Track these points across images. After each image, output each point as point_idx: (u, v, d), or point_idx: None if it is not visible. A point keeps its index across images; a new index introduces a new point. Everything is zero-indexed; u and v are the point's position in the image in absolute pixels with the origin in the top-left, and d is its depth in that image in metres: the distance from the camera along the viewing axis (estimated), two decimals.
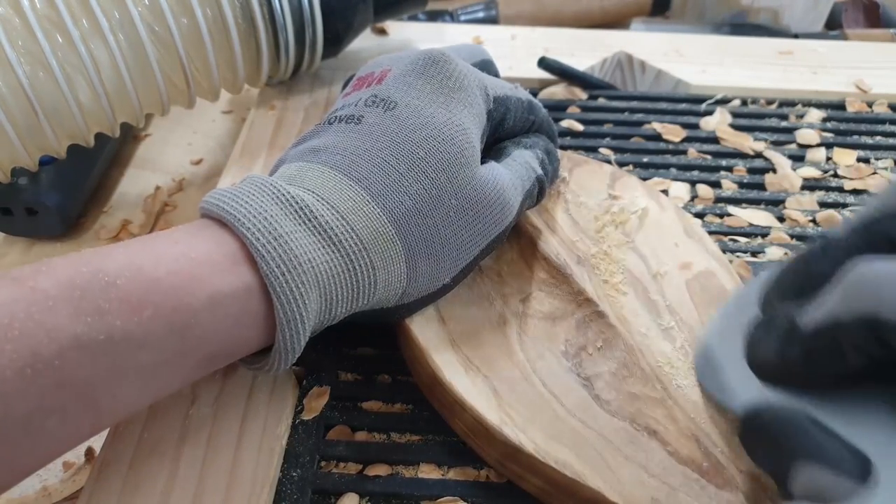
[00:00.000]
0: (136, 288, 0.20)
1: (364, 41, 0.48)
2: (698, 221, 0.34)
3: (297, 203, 0.23)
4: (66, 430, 0.19)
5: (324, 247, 0.22)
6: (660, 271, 0.29)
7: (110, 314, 0.19)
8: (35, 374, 0.18)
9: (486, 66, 0.31)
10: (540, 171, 0.29)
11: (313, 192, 0.23)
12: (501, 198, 0.26)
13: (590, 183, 0.33)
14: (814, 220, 0.36)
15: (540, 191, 0.29)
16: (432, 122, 0.25)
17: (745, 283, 0.28)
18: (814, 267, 0.22)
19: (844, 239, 0.22)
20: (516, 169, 0.28)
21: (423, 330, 0.26)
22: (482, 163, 0.26)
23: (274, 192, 0.23)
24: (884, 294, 0.18)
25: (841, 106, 0.43)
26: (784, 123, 0.42)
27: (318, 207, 0.23)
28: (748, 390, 0.23)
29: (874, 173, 0.38)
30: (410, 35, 0.51)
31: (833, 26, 0.60)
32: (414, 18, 0.56)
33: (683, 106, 0.44)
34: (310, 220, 0.22)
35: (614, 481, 0.22)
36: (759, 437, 0.21)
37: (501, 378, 0.24)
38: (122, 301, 0.19)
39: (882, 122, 0.42)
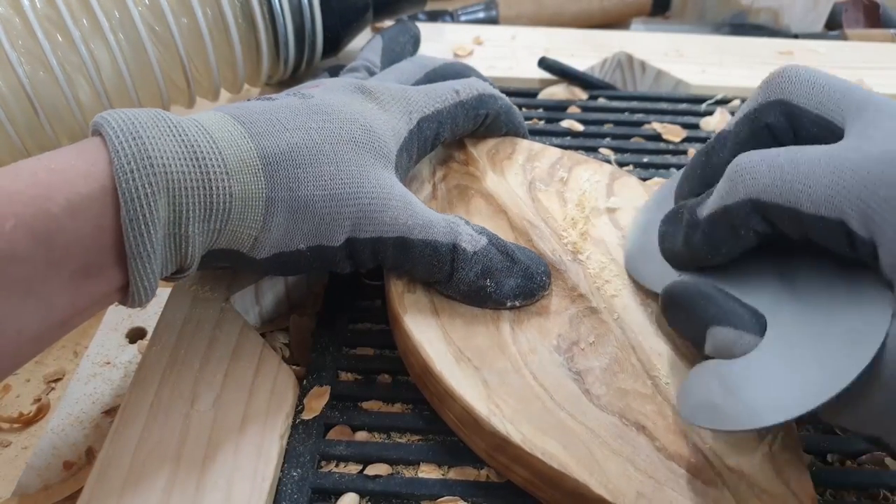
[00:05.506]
0: None
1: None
2: None
3: (171, 120, 0.23)
4: None
5: (184, 156, 0.23)
6: None
7: None
8: None
9: (454, 70, 0.33)
10: (453, 239, 0.26)
11: (194, 120, 0.24)
12: (388, 209, 0.25)
13: (588, 182, 0.33)
14: None
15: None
16: (336, 108, 0.27)
17: (667, 181, 0.30)
18: (712, 159, 0.25)
19: (735, 131, 0.25)
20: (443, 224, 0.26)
21: (416, 321, 0.26)
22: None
23: (154, 112, 0.23)
24: (759, 179, 0.21)
25: None
26: None
27: (191, 127, 0.23)
28: (667, 277, 0.25)
29: None
30: None
31: (833, 26, 0.60)
32: (414, 18, 0.56)
33: (683, 106, 0.44)
34: (179, 134, 0.23)
35: (600, 474, 0.22)
36: (677, 309, 0.24)
37: (492, 370, 0.24)
38: None
39: None
